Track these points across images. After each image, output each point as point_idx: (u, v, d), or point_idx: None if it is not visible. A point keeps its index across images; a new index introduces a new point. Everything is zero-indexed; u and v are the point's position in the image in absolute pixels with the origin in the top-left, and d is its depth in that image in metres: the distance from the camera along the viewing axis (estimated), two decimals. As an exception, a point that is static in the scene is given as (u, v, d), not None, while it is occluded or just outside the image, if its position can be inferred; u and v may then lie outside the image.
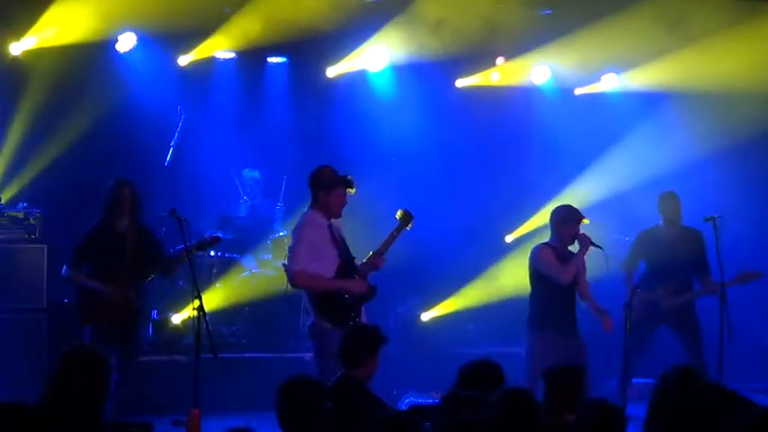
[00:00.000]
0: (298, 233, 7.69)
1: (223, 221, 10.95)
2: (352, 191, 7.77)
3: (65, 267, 8.37)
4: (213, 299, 10.33)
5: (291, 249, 7.68)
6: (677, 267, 9.23)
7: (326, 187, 7.70)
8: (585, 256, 8.34)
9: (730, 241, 9.04)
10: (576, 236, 8.36)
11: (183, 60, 11.44)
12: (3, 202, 9.88)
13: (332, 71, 11.98)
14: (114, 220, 8.29)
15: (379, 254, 7.79)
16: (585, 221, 8.43)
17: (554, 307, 8.30)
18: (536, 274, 8.42)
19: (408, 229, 7.92)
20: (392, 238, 7.83)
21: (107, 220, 8.31)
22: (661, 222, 9.44)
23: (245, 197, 11.49)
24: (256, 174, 11.53)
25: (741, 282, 9.17)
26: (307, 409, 4.84)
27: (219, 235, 8.69)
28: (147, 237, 8.45)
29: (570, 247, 8.46)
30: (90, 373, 4.90)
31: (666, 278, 9.20)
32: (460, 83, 12.43)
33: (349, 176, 7.76)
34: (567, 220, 8.40)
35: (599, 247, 8.31)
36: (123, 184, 8.34)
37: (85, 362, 4.94)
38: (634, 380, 9.48)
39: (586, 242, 8.31)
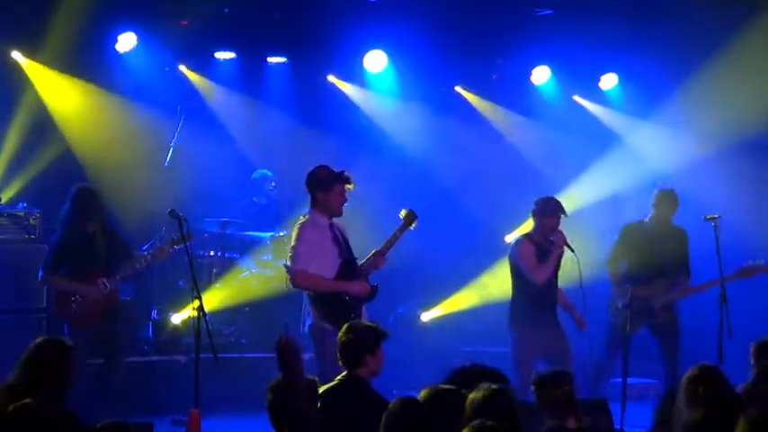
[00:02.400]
0: (298, 233, 7.67)
1: (223, 224, 10.95)
2: (351, 187, 7.75)
3: (40, 271, 8.46)
4: (213, 299, 10.33)
5: (292, 249, 7.67)
6: (667, 265, 9.12)
7: (325, 187, 7.68)
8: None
9: (730, 241, 9.01)
10: (554, 229, 8.35)
11: (183, 60, 11.45)
12: (3, 202, 9.89)
13: (332, 78, 12.06)
14: (83, 222, 8.44)
15: (381, 253, 7.77)
16: (564, 215, 8.40)
17: (533, 305, 8.32)
18: (515, 269, 8.47)
19: (412, 229, 7.89)
20: (395, 237, 7.80)
21: (77, 223, 8.44)
22: (648, 218, 9.24)
23: (254, 198, 11.49)
24: (270, 174, 11.54)
25: (743, 276, 8.93)
26: (297, 406, 4.83)
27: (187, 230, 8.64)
28: (115, 236, 8.64)
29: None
30: (53, 360, 5.34)
31: (657, 275, 8.97)
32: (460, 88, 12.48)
33: (346, 172, 7.74)
34: (548, 211, 8.39)
35: (571, 249, 8.31)
36: (89, 190, 8.54)
37: (49, 349, 5.39)
38: (634, 380, 9.49)
39: (561, 241, 8.31)
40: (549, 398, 5.45)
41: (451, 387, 4.95)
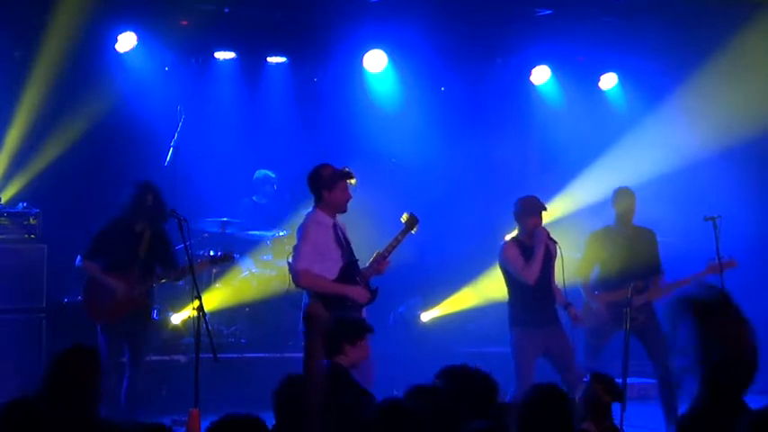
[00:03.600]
0: (302, 232, 7.67)
1: (223, 224, 10.94)
2: (354, 182, 7.75)
3: (79, 257, 8.38)
4: (213, 299, 10.33)
5: (296, 248, 7.66)
6: (639, 266, 8.92)
7: (328, 184, 7.66)
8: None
9: (730, 241, 8.99)
10: (537, 227, 8.27)
11: (183, 60, 11.46)
12: (3, 202, 9.88)
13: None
14: (133, 220, 8.35)
15: (382, 257, 7.77)
16: (545, 210, 8.35)
17: (528, 304, 8.27)
18: (505, 272, 8.42)
19: (413, 233, 7.91)
20: (397, 241, 7.82)
21: (126, 219, 8.36)
22: (613, 221, 9.08)
23: (254, 197, 11.50)
24: (273, 175, 11.53)
25: (713, 272, 8.76)
26: (302, 406, 4.83)
27: (234, 254, 8.90)
28: (162, 241, 8.49)
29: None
30: (84, 372, 5.05)
31: (630, 278, 8.63)
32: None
33: (347, 168, 7.74)
34: (528, 211, 8.31)
35: (554, 242, 8.27)
36: (148, 189, 8.38)
37: (80, 361, 5.09)
38: (634, 380, 9.46)
39: (542, 236, 8.25)
40: (590, 395, 5.43)
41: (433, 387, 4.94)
